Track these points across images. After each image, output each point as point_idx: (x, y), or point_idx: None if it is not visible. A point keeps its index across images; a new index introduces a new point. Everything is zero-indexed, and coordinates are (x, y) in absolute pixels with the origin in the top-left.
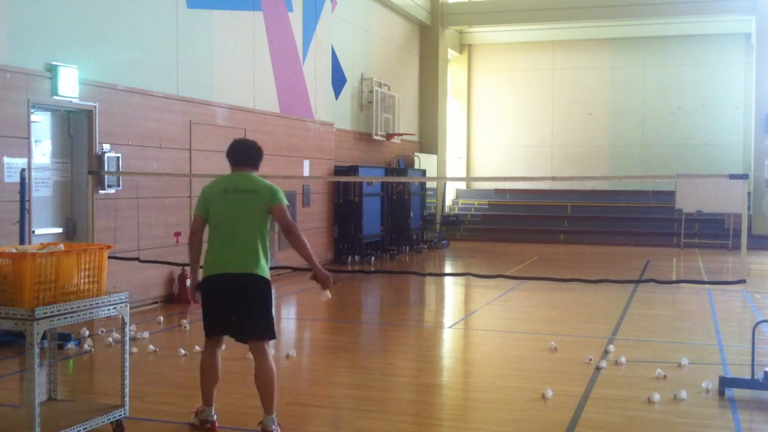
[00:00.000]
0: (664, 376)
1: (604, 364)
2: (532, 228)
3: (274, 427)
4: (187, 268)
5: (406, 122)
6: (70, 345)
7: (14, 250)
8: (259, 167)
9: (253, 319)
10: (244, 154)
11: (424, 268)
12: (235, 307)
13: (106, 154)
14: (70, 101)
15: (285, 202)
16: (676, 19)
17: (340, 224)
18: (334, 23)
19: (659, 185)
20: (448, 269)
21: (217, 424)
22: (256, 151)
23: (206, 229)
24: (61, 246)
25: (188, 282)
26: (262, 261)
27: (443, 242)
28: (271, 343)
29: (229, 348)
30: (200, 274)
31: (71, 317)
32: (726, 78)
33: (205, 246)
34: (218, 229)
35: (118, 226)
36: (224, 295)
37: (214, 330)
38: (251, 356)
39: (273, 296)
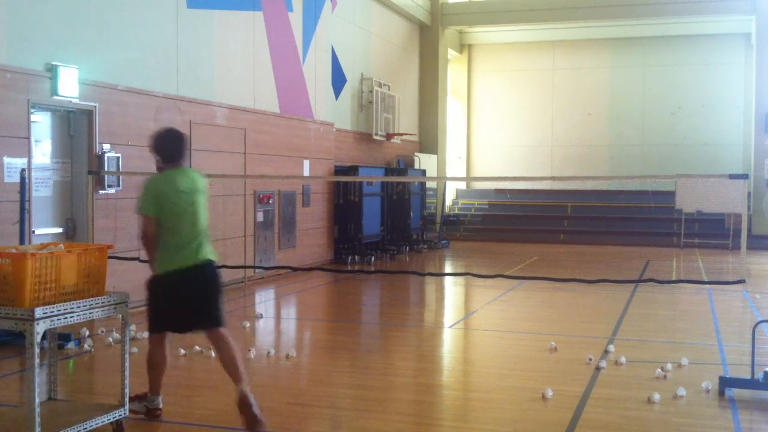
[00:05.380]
0: (664, 376)
1: (604, 364)
2: (532, 228)
3: (246, 387)
4: None
5: (406, 122)
6: (70, 345)
7: (14, 250)
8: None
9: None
10: (184, 147)
11: (424, 268)
12: (202, 297)
13: (106, 154)
14: (70, 101)
15: None
16: (676, 19)
17: (340, 224)
18: (334, 23)
19: (659, 185)
20: (448, 269)
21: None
22: (185, 142)
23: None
24: (61, 246)
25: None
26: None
27: (443, 242)
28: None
29: None
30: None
31: (71, 317)
32: (726, 78)
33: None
34: (181, 224)
35: (118, 226)
36: (196, 286)
37: (173, 326)
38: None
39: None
